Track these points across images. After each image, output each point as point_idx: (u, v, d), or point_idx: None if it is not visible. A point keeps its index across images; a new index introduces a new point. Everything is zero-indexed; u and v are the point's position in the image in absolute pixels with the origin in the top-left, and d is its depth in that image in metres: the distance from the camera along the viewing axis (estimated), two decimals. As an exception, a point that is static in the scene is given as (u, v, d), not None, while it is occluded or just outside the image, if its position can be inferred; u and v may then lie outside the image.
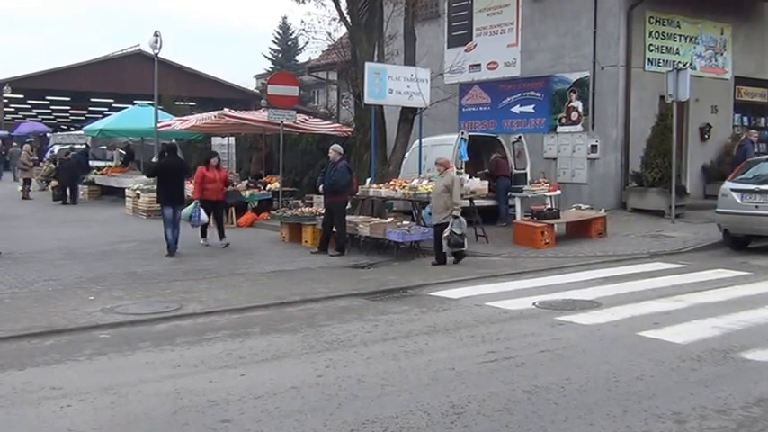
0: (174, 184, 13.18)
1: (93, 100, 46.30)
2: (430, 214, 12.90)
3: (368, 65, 14.70)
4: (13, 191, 26.89)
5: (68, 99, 46.99)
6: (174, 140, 21.02)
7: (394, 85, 14.62)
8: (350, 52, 18.28)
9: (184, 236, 13.47)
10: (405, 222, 13.45)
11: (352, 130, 19.47)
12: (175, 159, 13.94)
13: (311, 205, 16.53)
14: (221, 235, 14.04)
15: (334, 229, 13.21)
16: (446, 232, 11.82)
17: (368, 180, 15.06)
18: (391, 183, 14.34)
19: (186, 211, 13.80)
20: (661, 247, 13.38)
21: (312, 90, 43.34)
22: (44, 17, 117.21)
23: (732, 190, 13.07)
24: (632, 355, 6.71)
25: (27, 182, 25.61)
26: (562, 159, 18.65)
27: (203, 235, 14.21)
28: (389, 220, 13.64)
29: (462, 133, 16.45)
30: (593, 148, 18.00)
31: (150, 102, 24.06)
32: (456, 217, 11.86)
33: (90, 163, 27.96)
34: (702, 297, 9.33)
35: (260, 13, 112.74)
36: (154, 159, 18.04)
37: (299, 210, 15.38)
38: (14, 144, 37.63)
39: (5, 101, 43.57)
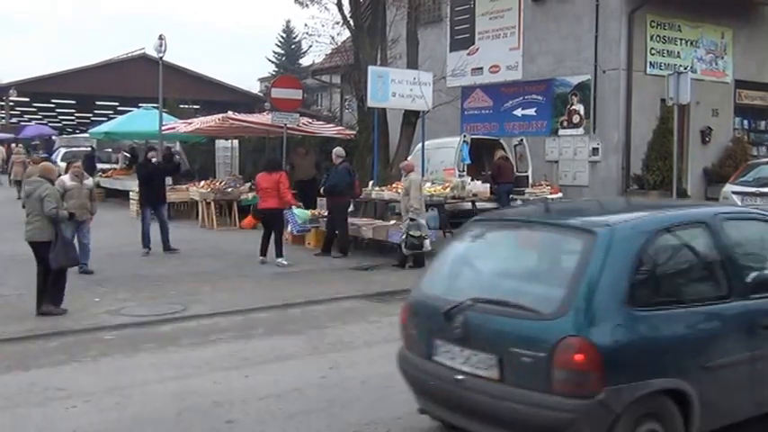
0: (151, 187, 13.96)
1: (98, 103, 46.37)
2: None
3: (371, 68, 14.78)
4: (12, 195, 26.48)
5: (74, 102, 47.03)
6: (164, 143, 21.07)
7: (397, 88, 14.68)
8: (353, 56, 18.35)
9: (189, 237, 13.52)
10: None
11: (355, 132, 19.55)
12: (149, 164, 14.32)
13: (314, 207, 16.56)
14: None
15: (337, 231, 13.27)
16: (402, 235, 11.88)
17: (371, 183, 15.13)
18: (394, 185, 14.40)
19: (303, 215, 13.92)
20: (662, 250, 13.38)
21: (315, 93, 43.37)
22: (47, 20, 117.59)
23: (733, 193, 13.12)
24: (631, 357, 6.74)
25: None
26: (564, 162, 18.69)
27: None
28: (392, 222, 13.70)
29: (464, 136, 16.51)
30: (595, 150, 18.04)
31: (155, 105, 24.15)
32: (413, 219, 11.87)
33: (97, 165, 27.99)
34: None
35: (263, 17, 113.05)
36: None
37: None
38: (19, 146, 37.68)
39: (11, 104, 43.70)
